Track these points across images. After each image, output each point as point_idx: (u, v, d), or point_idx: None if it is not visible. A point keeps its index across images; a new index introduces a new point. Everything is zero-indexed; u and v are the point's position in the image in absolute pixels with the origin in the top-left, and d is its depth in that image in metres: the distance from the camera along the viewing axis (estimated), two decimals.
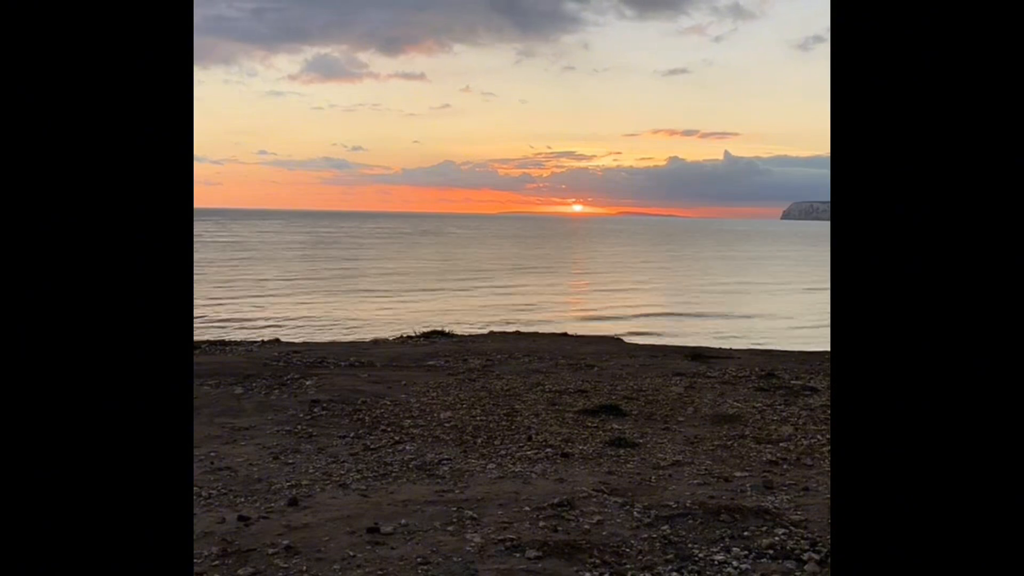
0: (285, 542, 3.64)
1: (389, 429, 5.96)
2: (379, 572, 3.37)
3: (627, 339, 12.59)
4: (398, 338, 11.54)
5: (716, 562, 3.52)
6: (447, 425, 6.10)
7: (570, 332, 13.37)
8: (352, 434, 5.81)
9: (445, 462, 5.13)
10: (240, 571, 3.36)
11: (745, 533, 3.84)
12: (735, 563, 3.50)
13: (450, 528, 3.86)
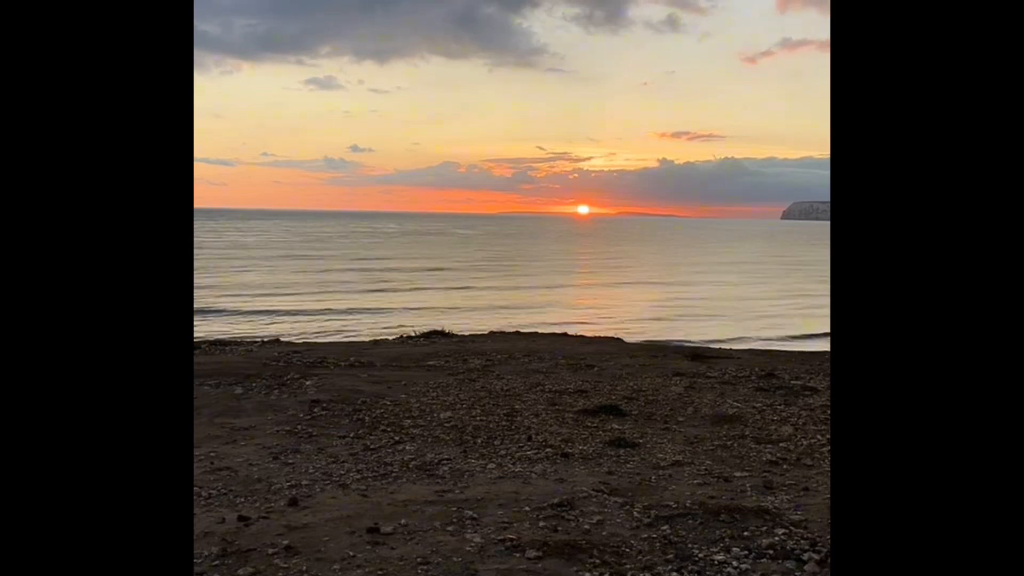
0: (285, 542, 3.64)
1: (389, 429, 5.96)
2: (379, 572, 3.36)
3: (627, 339, 12.58)
4: (398, 338, 11.54)
5: (716, 562, 3.51)
6: (447, 425, 6.10)
7: (570, 332, 13.37)
8: (352, 434, 5.80)
9: (445, 462, 5.13)
10: (240, 571, 3.36)
11: (745, 533, 3.84)
12: (735, 563, 3.50)
13: (450, 528, 3.86)
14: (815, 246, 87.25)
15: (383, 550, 3.59)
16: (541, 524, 3.93)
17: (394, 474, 4.88)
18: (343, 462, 5.11)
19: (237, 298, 27.61)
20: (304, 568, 3.39)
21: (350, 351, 9.59)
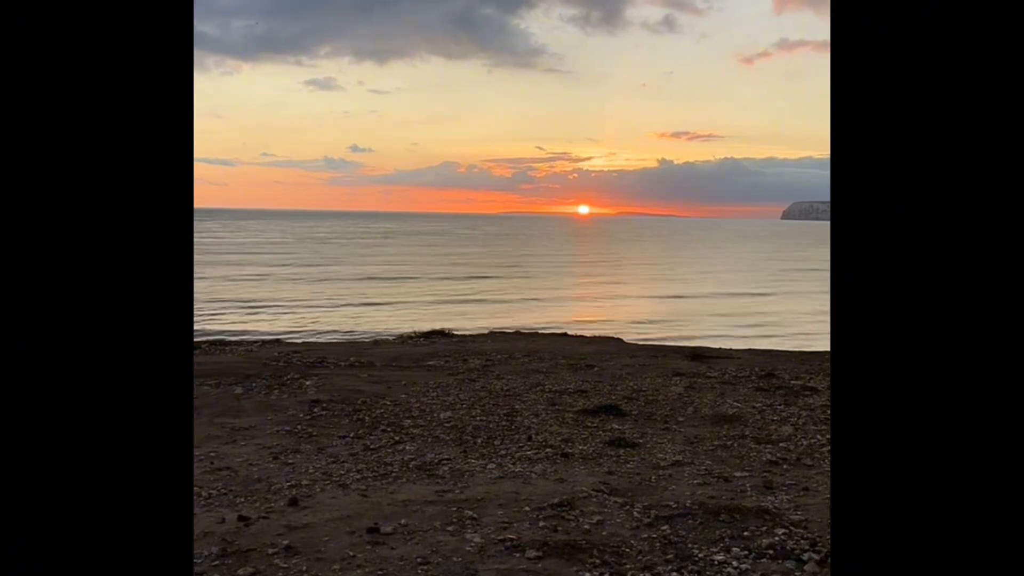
0: (285, 542, 3.64)
1: (389, 429, 5.96)
2: (379, 572, 3.36)
3: (627, 339, 12.58)
4: (398, 338, 11.54)
5: (716, 562, 3.52)
6: (447, 425, 6.10)
7: (570, 332, 13.37)
8: (352, 434, 5.81)
9: (445, 462, 5.13)
10: (240, 571, 3.36)
11: (745, 533, 3.84)
12: (735, 563, 3.50)
13: (450, 528, 3.86)
14: (815, 246, 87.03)
15: (383, 550, 3.59)
16: (541, 524, 3.93)
17: (394, 474, 4.88)
18: (343, 462, 5.11)
19: (237, 298, 27.61)
20: (304, 568, 3.39)
21: (350, 351, 9.59)
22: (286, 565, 3.42)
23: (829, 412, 6.52)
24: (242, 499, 4.34)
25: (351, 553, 3.54)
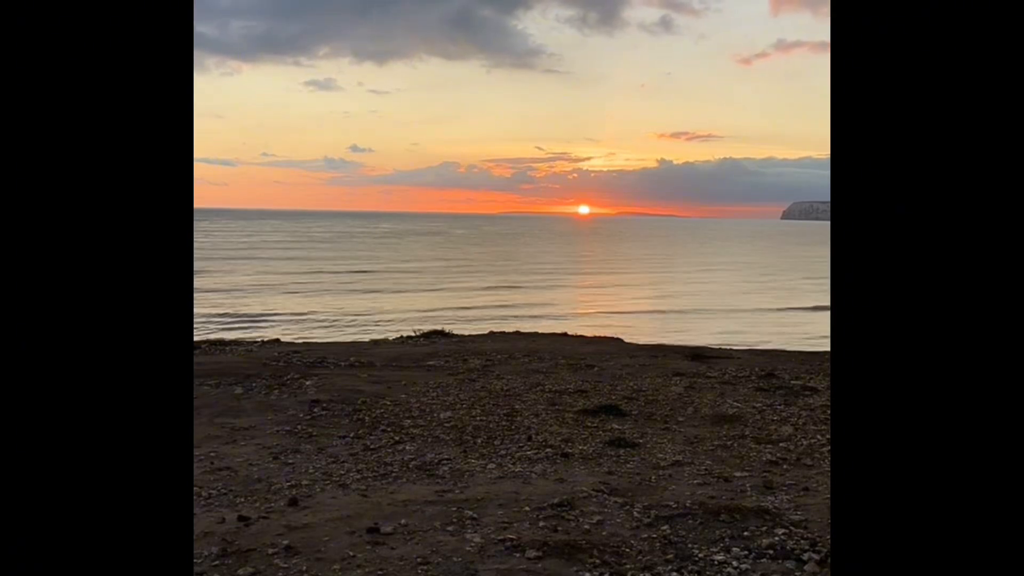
0: (285, 542, 3.64)
1: (389, 429, 5.96)
2: (379, 572, 3.36)
3: (627, 339, 12.58)
4: (398, 338, 11.54)
5: (716, 562, 3.52)
6: (447, 425, 6.10)
7: (570, 332, 13.36)
8: (352, 434, 5.80)
9: (445, 462, 5.13)
10: (240, 571, 3.36)
11: (745, 533, 3.84)
12: (735, 563, 3.50)
13: (450, 528, 3.86)
14: (815, 245, 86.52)
15: (383, 550, 3.59)
16: (541, 524, 3.93)
17: (394, 474, 4.88)
18: (343, 462, 5.11)
19: (237, 298, 27.60)
20: (304, 568, 3.39)
21: (350, 351, 9.58)
22: (286, 565, 3.42)
23: (829, 412, 6.52)
24: (242, 499, 4.34)
25: (351, 553, 3.54)
